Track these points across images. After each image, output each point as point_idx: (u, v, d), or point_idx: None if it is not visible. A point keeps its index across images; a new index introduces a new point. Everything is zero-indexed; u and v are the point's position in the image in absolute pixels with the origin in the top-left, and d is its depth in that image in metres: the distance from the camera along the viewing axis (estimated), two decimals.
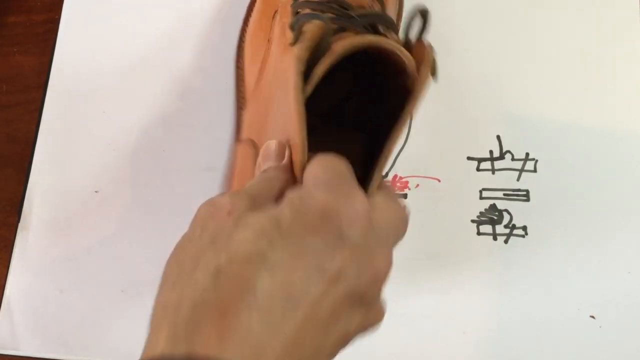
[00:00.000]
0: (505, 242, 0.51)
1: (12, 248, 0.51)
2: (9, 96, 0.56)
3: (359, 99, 0.44)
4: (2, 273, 0.50)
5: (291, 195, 0.32)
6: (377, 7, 0.43)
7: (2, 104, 0.56)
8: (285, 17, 0.41)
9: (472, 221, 0.52)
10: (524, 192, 0.53)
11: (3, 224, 0.52)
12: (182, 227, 0.50)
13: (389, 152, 0.36)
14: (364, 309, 0.33)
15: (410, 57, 0.37)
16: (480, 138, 0.55)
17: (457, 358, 0.48)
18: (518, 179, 0.54)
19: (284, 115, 0.37)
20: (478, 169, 0.54)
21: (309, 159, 0.34)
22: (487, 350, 0.48)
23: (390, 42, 0.36)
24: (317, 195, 0.32)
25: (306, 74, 0.35)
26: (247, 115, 0.48)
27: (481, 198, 0.53)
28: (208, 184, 0.52)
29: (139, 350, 0.48)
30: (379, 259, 0.32)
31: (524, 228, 0.52)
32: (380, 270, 0.32)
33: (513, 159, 0.54)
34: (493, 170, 0.54)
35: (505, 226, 0.52)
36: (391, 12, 0.44)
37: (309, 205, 0.31)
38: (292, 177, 0.35)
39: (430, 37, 0.59)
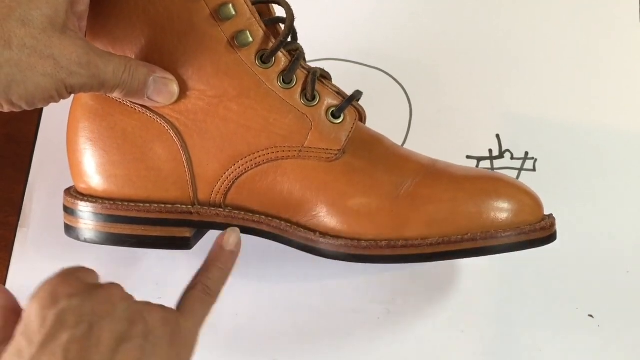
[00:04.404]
0: None
1: (12, 247, 0.51)
2: None
3: None
4: (2, 272, 0.51)
5: None
6: None
7: None
8: None
9: None
10: None
11: (3, 224, 0.52)
12: None
13: None
14: None
15: None
16: (479, 137, 0.55)
17: (455, 357, 0.48)
18: (517, 178, 0.54)
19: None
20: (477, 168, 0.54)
21: None
22: (485, 350, 0.48)
23: None
24: None
25: None
26: None
27: None
28: None
29: None
30: None
31: None
32: None
33: (512, 158, 0.54)
34: (492, 169, 0.54)
35: None
36: None
37: None
38: None
39: (431, 37, 0.59)
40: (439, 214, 0.41)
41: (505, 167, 0.54)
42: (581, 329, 0.49)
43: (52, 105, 0.55)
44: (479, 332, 0.49)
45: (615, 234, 0.51)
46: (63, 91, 0.37)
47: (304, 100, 0.42)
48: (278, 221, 0.44)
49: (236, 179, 0.43)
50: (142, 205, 0.44)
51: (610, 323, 0.49)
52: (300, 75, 0.42)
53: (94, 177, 0.44)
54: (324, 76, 0.44)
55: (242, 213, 0.44)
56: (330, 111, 0.43)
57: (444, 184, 0.42)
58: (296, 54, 0.42)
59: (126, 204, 0.44)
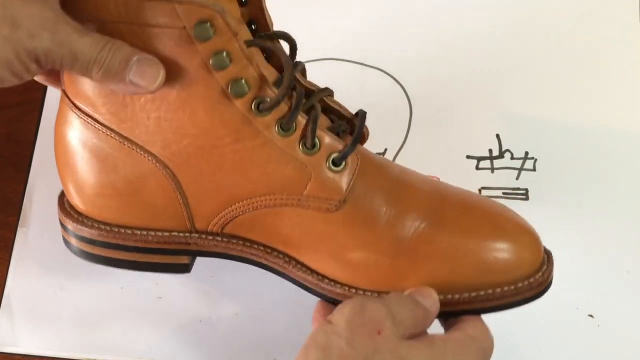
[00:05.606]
0: None
1: (12, 247, 0.51)
2: (9, 96, 0.57)
3: None
4: (2, 272, 0.50)
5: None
6: None
7: (2, 104, 0.56)
8: None
9: None
10: (523, 191, 0.53)
11: (3, 224, 0.52)
12: None
13: None
14: None
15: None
16: (479, 136, 0.55)
17: None
18: (517, 178, 0.54)
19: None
20: (477, 168, 0.54)
21: None
22: None
23: None
24: None
25: None
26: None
27: None
28: None
29: (137, 348, 0.48)
30: None
31: None
32: None
33: (512, 158, 0.54)
34: (492, 169, 0.54)
35: None
36: None
37: None
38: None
39: (431, 37, 0.59)
40: (438, 274, 0.40)
41: (505, 167, 0.54)
42: (581, 329, 0.49)
43: (53, 105, 0.55)
44: None
45: (615, 234, 0.51)
46: (24, 57, 0.34)
47: (303, 149, 0.40)
48: (276, 254, 0.43)
49: (234, 218, 0.42)
50: (139, 234, 0.43)
51: (610, 323, 0.49)
52: (300, 121, 0.40)
53: (87, 203, 0.43)
54: (328, 93, 0.42)
55: (241, 243, 0.43)
56: (332, 159, 0.40)
57: (445, 240, 0.40)
58: (295, 99, 0.39)
59: (122, 231, 0.43)
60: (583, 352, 0.48)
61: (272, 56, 0.40)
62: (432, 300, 0.39)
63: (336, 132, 0.41)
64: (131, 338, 0.49)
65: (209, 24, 0.36)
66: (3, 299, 0.50)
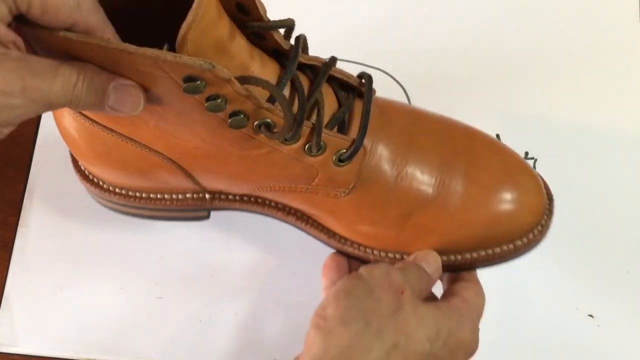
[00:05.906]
0: None
1: (12, 247, 0.51)
2: None
3: None
4: (2, 272, 0.50)
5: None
6: None
7: None
8: None
9: None
10: None
11: (3, 224, 0.52)
12: (180, 225, 0.51)
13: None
14: None
15: None
16: None
17: None
18: None
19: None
20: None
21: None
22: (485, 350, 0.48)
23: None
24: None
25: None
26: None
27: None
28: None
29: (137, 348, 0.48)
30: None
31: None
32: None
33: None
34: None
35: None
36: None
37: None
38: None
39: (431, 38, 0.59)
40: (442, 242, 0.42)
41: None
42: (581, 329, 0.49)
43: None
44: (479, 332, 0.48)
45: (615, 234, 0.51)
46: None
47: (308, 153, 0.39)
48: (288, 209, 0.45)
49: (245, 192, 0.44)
50: (155, 198, 0.46)
51: (610, 323, 0.49)
52: (304, 130, 0.38)
53: (98, 174, 0.46)
54: (332, 65, 0.40)
55: (253, 200, 0.46)
56: (338, 156, 0.39)
57: (449, 215, 0.41)
58: (298, 114, 0.37)
59: (138, 195, 0.46)
60: (583, 352, 0.48)
61: (265, 37, 0.37)
62: (436, 267, 0.42)
63: (342, 118, 0.40)
64: (131, 338, 0.49)
65: (199, 81, 0.32)
66: (3, 299, 0.50)
